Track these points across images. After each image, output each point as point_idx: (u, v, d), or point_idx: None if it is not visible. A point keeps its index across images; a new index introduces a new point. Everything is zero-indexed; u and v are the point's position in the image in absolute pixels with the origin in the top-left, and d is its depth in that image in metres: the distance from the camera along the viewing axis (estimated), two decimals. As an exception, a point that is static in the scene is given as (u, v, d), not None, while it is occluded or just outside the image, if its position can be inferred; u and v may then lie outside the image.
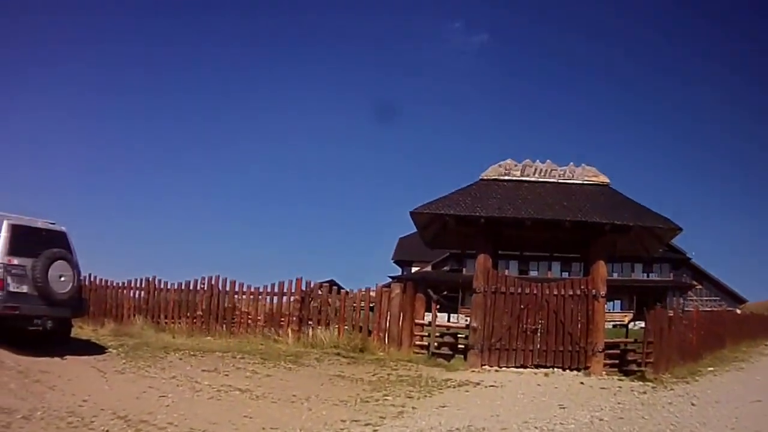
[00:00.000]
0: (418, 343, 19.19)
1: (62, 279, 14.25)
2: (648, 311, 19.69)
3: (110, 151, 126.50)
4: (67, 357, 13.83)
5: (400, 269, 75.25)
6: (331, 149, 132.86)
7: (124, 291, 23.69)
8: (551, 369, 17.25)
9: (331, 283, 21.63)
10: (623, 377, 17.02)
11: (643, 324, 25.09)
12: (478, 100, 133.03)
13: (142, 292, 23.18)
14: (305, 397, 12.05)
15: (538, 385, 15.04)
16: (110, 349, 15.95)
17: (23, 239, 14.11)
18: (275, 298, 21.21)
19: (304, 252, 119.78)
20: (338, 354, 17.37)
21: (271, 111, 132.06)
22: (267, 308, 21.15)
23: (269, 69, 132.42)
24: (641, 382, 15.97)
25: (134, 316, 22.26)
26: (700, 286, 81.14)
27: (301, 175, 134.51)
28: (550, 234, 19.34)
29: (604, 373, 17.13)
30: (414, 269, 73.12)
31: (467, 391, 13.81)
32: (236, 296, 21.71)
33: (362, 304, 20.16)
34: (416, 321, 19.35)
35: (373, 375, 15.02)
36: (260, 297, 21.49)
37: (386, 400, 12.23)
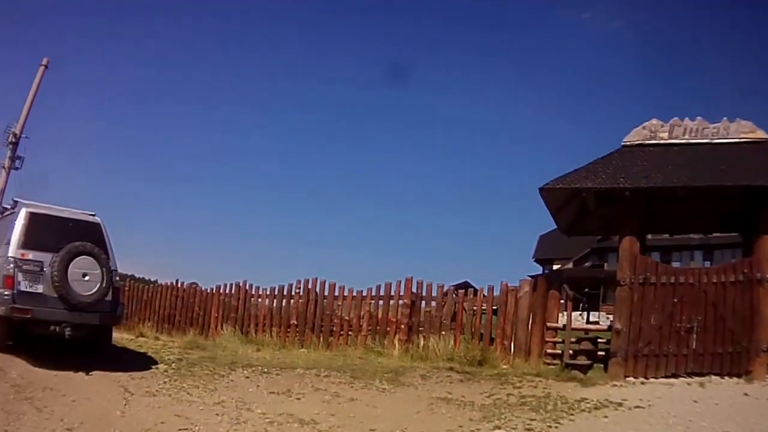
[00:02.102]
0: (549, 351, 16.99)
1: (86, 278, 13.07)
2: None
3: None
4: (95, 372, 12.89)
5: (541, 268, 72.23)
6: (458, 135, 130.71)
7: (212, 297, 22.63)
8: (707, 377, 15.13)
9: (465, 285, 19.21)
10: None
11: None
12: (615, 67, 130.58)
13: (231, 299, 22.00)
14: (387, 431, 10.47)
15: (695, 401, 12.94)
16: (161, 364, 14.97)
17: (44, 230, 12.99)
18: (381, 303, 19.52)
19: (437, 255, 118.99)
20: (451, 368, 15.44)
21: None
22: (371, 315, 19.38)
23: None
24: None
25: (222, 325, 21.36)
26: None
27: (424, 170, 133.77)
28: (705, 206, 17.36)
29: (767, 377, 14.81)
30: (555, 267, 71.46)
31: (605, 417, 11.79)
32: (335, 302, 20.17)
33: (484, 306, 18.27)
34: (548, 324, 17.17)
35: (488, 396, 13.22)
36: (363, 302, 19.69)
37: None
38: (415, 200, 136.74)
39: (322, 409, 11.51)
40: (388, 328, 18.66)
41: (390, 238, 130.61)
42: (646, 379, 15.18)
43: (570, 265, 70.82)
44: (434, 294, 18.75)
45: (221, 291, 22.44)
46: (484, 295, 18.39)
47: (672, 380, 14.98)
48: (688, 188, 15.80)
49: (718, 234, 68.25)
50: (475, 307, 18.12)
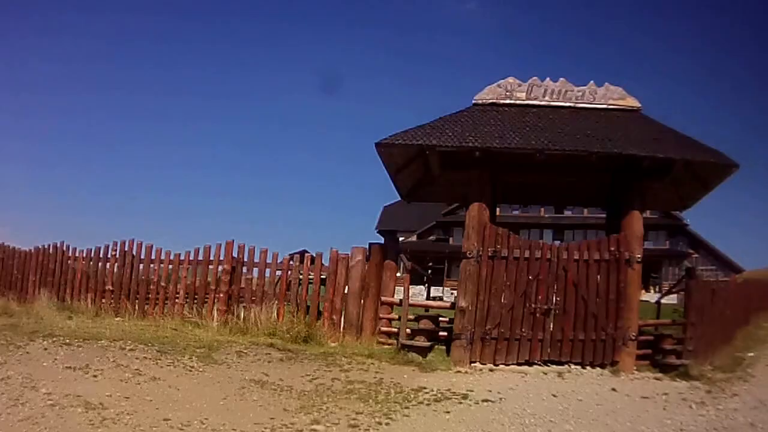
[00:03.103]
0: (384, 329, 15.32)
1: None
2: (689, 280, 16.03)
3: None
4: None
5: (383, 240, 70.50)
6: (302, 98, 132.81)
7: (30, 259, 20.51)
8: (567, 366, 13.85)
9: (303, 253, 17.16)
10: (660, 374, 13.92)
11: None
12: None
13: (50, 262, 19.99)
14: (182, 423, 8.79)
15: (554, 395, 11.40)
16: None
17: None
18: (201, 268, 17.95)
19: (277, 224, 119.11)
20: (272, 345, 13.74)
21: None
22: (189, 282, 17.67)
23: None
24: (686, 382, 13.18)
25: (39, 290, 19.44)
26: (696, 255, 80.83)
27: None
28: (567, 175, 15.97)
29: (635, 369, 13.91)
30: (399, 239, 68.93)
31: (447, 412, 10.04)
32: (152, 266, 18.54)
33: (311, 276, 16.48)
34: (383, 299, 15.50)
35: (310, 380, 11.54)
36: (180, 266, 18.06)
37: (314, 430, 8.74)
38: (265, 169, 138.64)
39: (117, 390, 9.85)
40: (206, 297, 17.04)
41: (242, 206, 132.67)
42: (495, 365, 13.63)
43: (414, 238, 72.05)
44: (257, 260, 16.91)
45: (38, 252, 20.44)
46: (312, 263, 16.47)
47: (526, 368, 13.54)
48: (549, 153, 14.23)
49: (570, 213, 70.46)
50: (301, 276, 16.41)
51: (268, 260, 16.68)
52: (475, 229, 14.23)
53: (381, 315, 15.31)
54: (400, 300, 15.17)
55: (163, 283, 17.87)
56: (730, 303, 19.22)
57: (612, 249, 14.17)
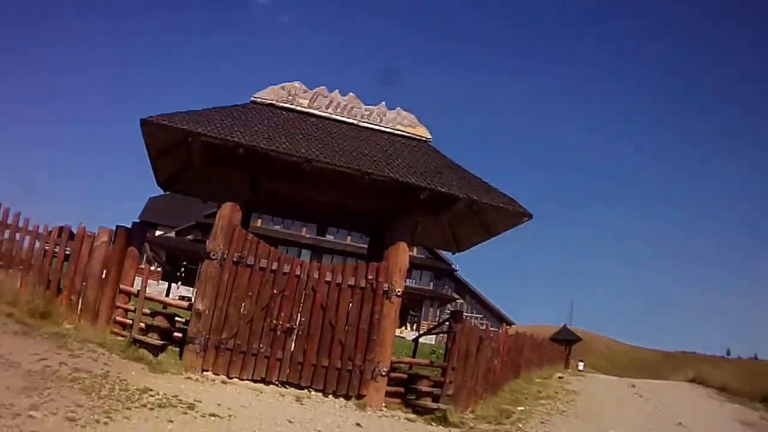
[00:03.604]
0: (120, 319, 15.11)
1: None
2: (455, 323, 16.55)
3: None
4: None
5: (131, 225, 69.70)
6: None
7: None
8: (307, 391, 14.11)
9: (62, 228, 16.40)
10: (413, 415, 14.28)
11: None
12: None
13: None
14: None
15: (290, 421, 11.39)
16: None
17: None
18: None
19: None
20: (11, 315, 13.21)
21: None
22: None
23: None
24: (443, 428, 13.45)
25: None
26: (461, 301, 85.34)
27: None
28: (336, 194, 16.15)
29: (384, 406, 14.28)
30: (158, 233, 71.85)
31: (170, 421, 9.77)
32: None
33: (57, 249, 15.97)
34: (122, 287, 15.25)
35: (39, 360, 11.05)
36: None
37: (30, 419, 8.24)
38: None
39: None
40: None
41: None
42: (229, 378, 13.81)
43: (172, 234, 71.11)
44: (10, 221, 15.98)
45: None
46: (59, 236, 15.88)
47: (262, 386, 13.75)
48: (317, 165, 14.44)
49: (332, 237, 71.15)
50: (47, 247, 15.78)
51: (19, 224, 16.03)
52: (224, 230, 14.42)
53: (118, 303, 15.17)
54: (138, 291, 15.21)
55: None
56: (500, 354, 20.05)
57: (370, 277, 14.66)
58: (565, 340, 69.88)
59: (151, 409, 10.02)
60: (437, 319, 75.05)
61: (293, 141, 14.63)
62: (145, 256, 18.30)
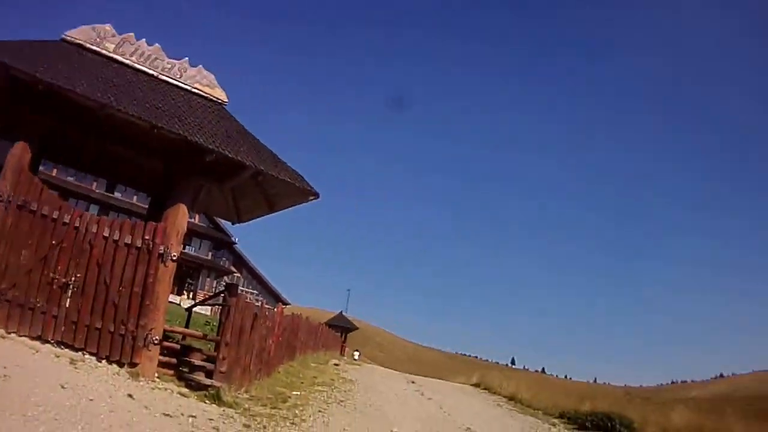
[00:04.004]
0: None
1: None
2: (230, 297, 16.32)
3: None
4: None
5: None
6: None
7: None
8: (81, 353, 13.84)
9: None
10: (186, 390, 14.28)
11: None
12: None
13: None
14: None
15: (63, 387, 11.09)
16: None
17: None
18: None
19: None
20: None
21: None
22: None
23: None
24: (217, 407, 13.38)
25: None
26: (238, 274, 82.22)
27: None
28: (129, 145, 16.11)
29: (157, 377, 14.31)
30: None
31: None
32: None
33: None
34: None
35: None
36: None
37: None
38: None
39: None
40: None
41: None
42: (8, 333, 13.43)
43: None
44: None
45: None
46: None
47: (39, 345, 13.44)
48: (111, 112, 14.29)
49: (119, 195, 69.74)
50: None
51: None
52: (13, 170, 14.05)
53: None
54: None
55: None
56: (275, 333, 20.15)
57: (147, 237, 14.67)
58: (342, 327, 71.10)
59: None
60: (214, 289, 75.76)
61: (92, 84, 14.55)
62: None
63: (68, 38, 15.81)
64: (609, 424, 24.22)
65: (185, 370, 15.23)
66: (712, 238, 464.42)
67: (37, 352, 12.93)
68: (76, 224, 14.19)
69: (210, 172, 15.56)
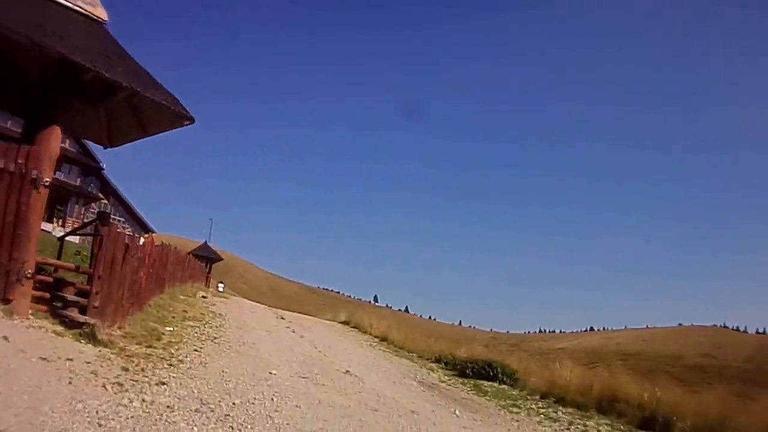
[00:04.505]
0: None
1: None
2: (101, 226, 16.24)
3: None
4: None
5: None
6: None
7: None
8: None
9: None
10: (61, 327, 13.13)
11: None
12: None
13: None
14: None
15: None
16: None
17: None
18: None
19: None
20: None
21: None
22: None
23: None
24: (93, 347, 12.50)
25: None
26: (106, 201, 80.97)
27: None
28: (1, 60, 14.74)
29: (30, 314, 13.13)
30: None
31: None
32: None
33: None
34: None
35: None
36: None
37: None
38: None
39: None
40: None
41: None
42: None
43: None
44: None
45: None
46: None
47: None
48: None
49: None
50: None
51: None
52: None
53: None
54: None
55: None
56: (146, 265, 19.24)
57: (20, 162, 13.31)
58: (206, 257, 69.98)
59: None
60: (83, 218, 74.21)
61: None
62: None
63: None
64: (491, 373, 23.95)
65: (59, 305, 14.28)
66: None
67: None
68: None
69: (85, 93, 14.61)
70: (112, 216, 78.02)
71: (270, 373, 15.45)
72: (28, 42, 13.02)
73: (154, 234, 78.27)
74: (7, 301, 12.80)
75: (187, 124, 15.44)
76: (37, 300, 13.83)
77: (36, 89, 15.14)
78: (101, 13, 15.86)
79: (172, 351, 14.64)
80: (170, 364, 13.17)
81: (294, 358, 19.52)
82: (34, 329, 12.48)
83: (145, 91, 14.39)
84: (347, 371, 18.97)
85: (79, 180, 79.34)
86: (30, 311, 13.27)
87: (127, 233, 18.34)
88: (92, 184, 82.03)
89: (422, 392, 19.32)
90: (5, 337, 11.07)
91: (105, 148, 19.82)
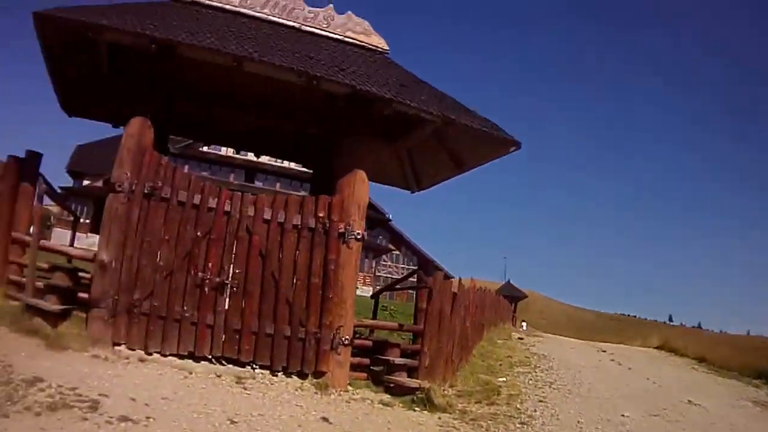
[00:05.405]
0: (14, 278, 12.27)
1: None
2: (426, 276, 14.55)
3: None
4: None
5: (72, 182, 68.55)
6: None
7: None
8: (250, 368, 11.43)
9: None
10: (387, 396, 11.94)
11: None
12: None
13: None
14: None
15: (232, 421, 8.64)
16: None
17: None
18: None
19: None
20: None
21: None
22: None
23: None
24: (430, 414, 11.18)
25: None
26: (398, 252, 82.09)
27: None
28: (274, 107, 13.63)
29: (348, 385, 11.81)
30: (85, 183, 66.65)
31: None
32: None
33: None
34: (15, 235, 12.48)
35: None
36: None
37: None
38: None
39: None
40: None
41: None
42: (148, 353, 11.10)
43: (101, 183, 66.38)
44: None
45: None
46: None
47: (191, 364, 11.08)
48: (256, 63, 11.44)
49: (268, 159, 66.26)
50: None
51: None
52: (132, 153, 11.61)
53: (11, 258, 12.46)
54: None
55: None
56: (470, 313, 17.78)
57: (321, 215, 12.21)
58: (512, 296, 67.58)
59: (37, 414, 7.27)
60: (373, 271, 73.73)
61: (221, 38, 11.84)
62: (36, 194, 14.76)
63: (175, -6, 13.51)
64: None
65: (377, 368, 12.99)
66: None
67: (190, 374, 10.60)
68: (226, 208, 11.71)
69: (380, 131, 13.01)
70: (405, 266, 78.07)
71: (622, 416, 13.78)
72: (306, 78, 11.54)
73: (453, 278, 77.52)
74: (319, 374, 11.72)
75: (513, 150, 13.33)
76: (354, 367, 12.53)
77: (320, 134, 14.14)
78: (380, 42, 14.54)
79: (518, 406, 12.99)
80: (522, 423, 11.64)
81: (632, 392, 17.67)
82: (356, 402, 11.27)
83: (461, 119, 12.49)
84: (689, 401, 17.09)
85: (365, 233, 78.70)
86: (348, 382, 11.94)
87: (452, 281, 16.96)
88: (380, 237, 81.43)
89: (759, 412, 17.55)
90: (325, 419, 9.69)
91: (412, 192, 18.18)
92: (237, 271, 11.67)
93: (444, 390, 12.46)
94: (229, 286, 11.54)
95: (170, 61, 11.66)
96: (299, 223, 12.00)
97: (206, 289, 11.40)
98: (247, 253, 11.73)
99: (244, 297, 11.60)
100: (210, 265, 11.49)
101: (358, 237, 12.29)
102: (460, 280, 16.63)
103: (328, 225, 12.08)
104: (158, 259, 11.30)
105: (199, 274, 11.41)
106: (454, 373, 13.96)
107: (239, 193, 12.42)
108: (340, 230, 12.07)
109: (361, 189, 12.48)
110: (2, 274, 12.16)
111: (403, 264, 79.52)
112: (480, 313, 22.60)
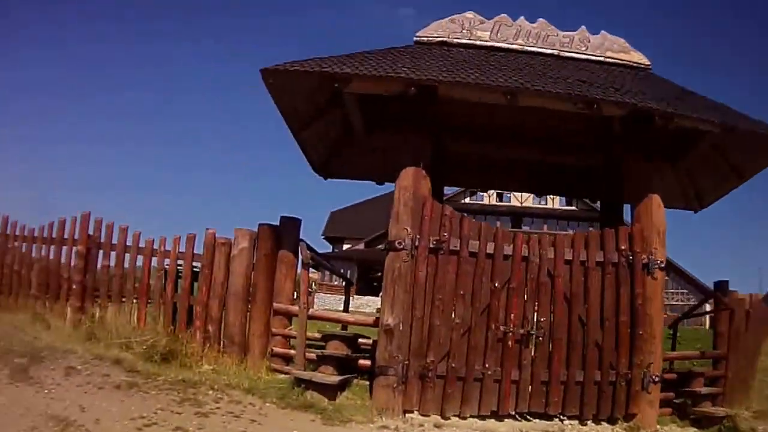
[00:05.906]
0: (279, 350, 11.92)
1: None
2: (720, 297, 13.83)
3: None
4: None
5: (330, 247, 73.10)
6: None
7: None
8: (557, 420, 10.66)
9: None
10: (693, 429, 11.37)
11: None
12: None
13: None
14: None
15: None
16: None
17: None
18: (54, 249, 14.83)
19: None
20: (119, 362, 10.37)
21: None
22: (42, 266, 14.82)
23: None
24: None
25: None
26: (666, 278, 75.45)
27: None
28: (548, 138, 13.05)
29: (657, 426, 11.05)
30: (345, 247, 71.85)
31: None
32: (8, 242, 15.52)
33: (180, 267, 13.23)
34: (276, 306, 12.13)
35: (142, 427, 8.03)
36: (34, 245, 15.06)
37: None
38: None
39: None
40: (60, 287, 14.17)
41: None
42: (444, 418, 10.49)
43: (361, 246, 69.78)
44: (115, 240, 13.82)
45: None
46: (180, 251, 13.22)
47: (494, 425, 10.37)
48: (528, 94, 10.65)
49: (530, 204, 66.02)
50: (167, 266, 13.18)
51: (128, 242, 13.64)
52: (409, 207, 11.07)
53: (274, 330, 12.17)
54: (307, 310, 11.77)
55: (16, 266, 15.04)
56: (762, 330, 16.23)
57: (623, 248, 11.22)
58: (775, 306, 65.21)
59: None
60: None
61: (484, 73, 11.14)
62: (300, 259, 14.45)
63: (423, 38, 13.05)
64: None
65: (680, 401, 12.21)
66: None
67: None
68: (524, 253, 10.97)
69: (659, 151, 11.90)
70: (674, 290, 75.50)
71: None
72: (584, 102, 10.65)
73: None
74: (630, 417, 10.90)
75: None
76: (660, 403, 11.68)
77: (602, 158, 13.43)
78: (640, 58, 13.51)
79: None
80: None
81: None
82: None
83: (740, 124, 11.26)
84: None
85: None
86: (657, 424, 11.15)
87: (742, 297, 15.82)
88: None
89: None
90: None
91: (695, 212, 16.73)
92: (542, 319, 10.91)
93: (744, 415, 11.61)
94: (534, 336, 10.79)
95: (432, 105, 11.12)
96: (602, 259, 11.15)
97: (509, 342, 10.71)
98: (551, 298, 10.98)
99: (550, 346, 10.86)
100: (512, 316, 10.81)
101: (662, 266, 11.26)
102: (751, 296, 15.51)
103: (631, 257, 11.12)
104: (453, 317, 10.68)
105: (501, 327, 10.71)
106: (747, 395, 12.81)
107: (535, 236, 11.67)
108: (644, 261, 11.09)
109: (658, 215, 11.45)
110: (265, 347, 11.92)
111: (672, 289, 73.14)
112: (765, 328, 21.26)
